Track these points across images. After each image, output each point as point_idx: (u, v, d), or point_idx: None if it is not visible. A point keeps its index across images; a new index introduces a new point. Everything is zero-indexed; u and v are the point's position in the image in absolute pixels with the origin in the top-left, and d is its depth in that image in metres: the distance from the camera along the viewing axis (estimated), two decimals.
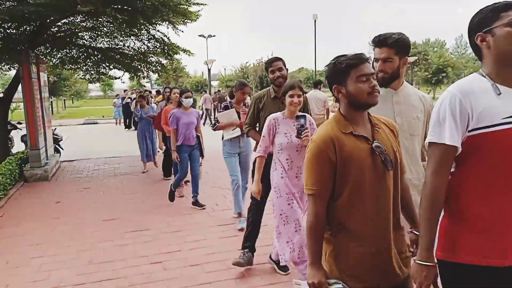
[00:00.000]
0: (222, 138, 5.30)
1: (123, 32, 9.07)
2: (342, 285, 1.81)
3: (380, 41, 2.42)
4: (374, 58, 2.44)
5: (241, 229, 4.81)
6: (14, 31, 8.44)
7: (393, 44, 2.39)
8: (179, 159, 5.99)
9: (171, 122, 5.92)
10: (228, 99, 5.91)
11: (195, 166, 6.14)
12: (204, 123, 18.81)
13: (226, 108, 5.30)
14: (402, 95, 2.53)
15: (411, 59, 35.99)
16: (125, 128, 19.35)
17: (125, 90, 24.18)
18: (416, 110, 2.52)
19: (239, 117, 5.25)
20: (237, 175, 5.25)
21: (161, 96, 10.64)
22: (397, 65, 2.45)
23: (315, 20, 27.72)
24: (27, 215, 5.98)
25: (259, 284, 3.68)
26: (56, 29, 9.10)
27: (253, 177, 3.76)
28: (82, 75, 10.86)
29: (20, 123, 9.99)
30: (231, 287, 3.66)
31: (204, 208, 5.98)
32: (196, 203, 6.10)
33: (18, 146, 10.39)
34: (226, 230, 5.09)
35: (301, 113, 3.33)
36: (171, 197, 6.24)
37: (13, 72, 9.55)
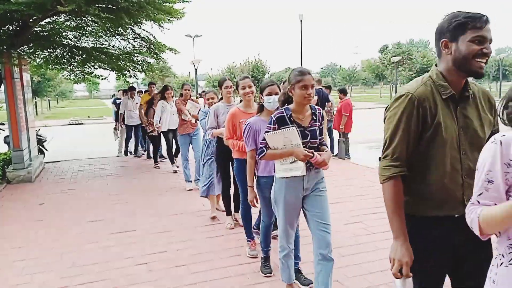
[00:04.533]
0: (274, 170, 3.21)
1: (108, 31, 8.98)
2: None
3: None
4: None
5: None
6: None
7: None
8: (257, 202, 3.73)
9: (247, 139, 3.58)
10: (279, 105, 3.26)
11: None
12: None
13: (280, 121, 2.98)
14: None
15: (395, 59, 36.57)
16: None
17: (120, 90, 23.28)
18: None
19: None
20: (291, 242, 3.22)
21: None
22: None
23: (301, 20, 27.81)
24: (9, 217, 5.87)
25: (246, 284, 3.66)
26: (39, 28, 8.97)
27: None
28: (67, 75, 10.71)
29: (3, 124, 9.82)
30: (217, 287, 3.64)
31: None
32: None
33: (0, 147, 10.20)
34: (213, 230, 5.06)
35: None
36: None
37: None
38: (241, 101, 4.37)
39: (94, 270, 4.05)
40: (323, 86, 10.67)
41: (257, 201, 3.70)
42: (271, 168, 3.47)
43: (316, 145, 3.06)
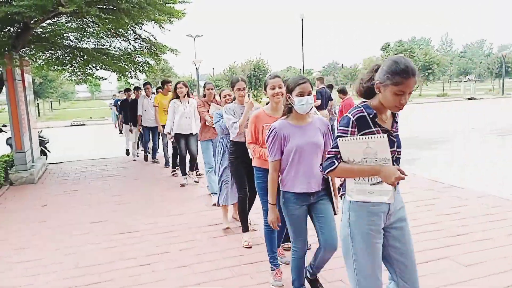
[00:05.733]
0: (339, 190, 2.54)
1: (108, 33, 8.98)
2: None
3: None
4: None
5: None
6: None
7: None
8: (279, 222, 3.15)
9: (271, 147, 3.01)
10: (359, 95, 2.42)
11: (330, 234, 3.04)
12: None
13: (361, 123, 2.19)
14: None
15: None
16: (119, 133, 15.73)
17: (121, 91, 22.45)
18: None
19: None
20: None
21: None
22: None
23: (302, 19, 27.79)
24: (12, 219, 5.87)
25: (249, 284, 3.65)
26: (40, 30, 8.98)
27: None
28: (68, 77, 10.73)
29: (5, 126, 9.83)
30: (221, 287, 3.63)
31: None
32: None
33: (3, 149, 10.22)
34: (216, 231, 5.04)
35: None
36: None
37: None
38: (267, 103, 3.78)
39: (97, 271, 4.04)
40: (325, 85, 10.65)
41: (279, 222, 3.11)
42: (295, 183, 2.94)
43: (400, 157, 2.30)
